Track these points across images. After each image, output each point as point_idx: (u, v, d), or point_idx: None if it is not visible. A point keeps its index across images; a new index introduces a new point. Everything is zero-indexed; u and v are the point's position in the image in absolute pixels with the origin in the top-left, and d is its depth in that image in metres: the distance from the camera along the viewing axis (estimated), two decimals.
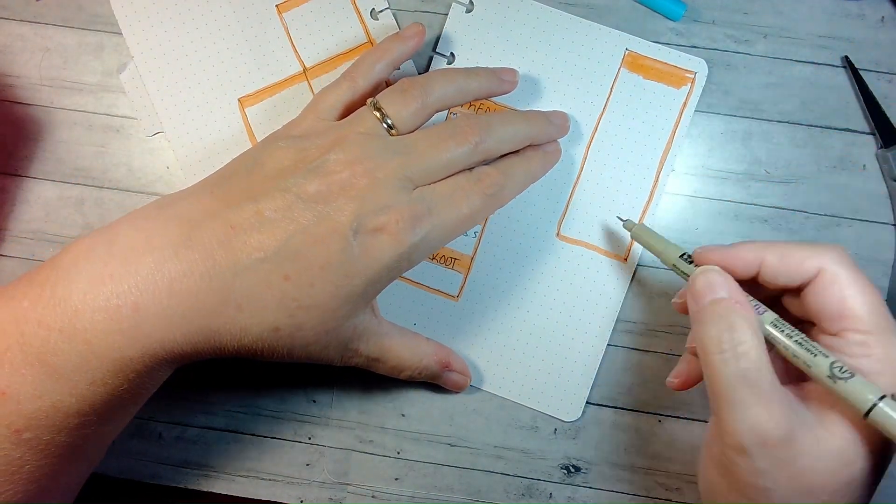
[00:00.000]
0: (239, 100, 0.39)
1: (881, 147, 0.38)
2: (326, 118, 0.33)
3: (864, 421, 0.25)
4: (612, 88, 0.39)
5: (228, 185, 0.30)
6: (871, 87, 0.38)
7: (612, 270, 0.38)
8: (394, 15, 0.40)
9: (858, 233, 0.38)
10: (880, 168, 0.38)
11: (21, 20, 0.40)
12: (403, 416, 0.39)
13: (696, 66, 0.38)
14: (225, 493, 0.38)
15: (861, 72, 0.38)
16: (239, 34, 0.39)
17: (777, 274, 0.28)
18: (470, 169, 0.32)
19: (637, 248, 0.38)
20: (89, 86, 0.39)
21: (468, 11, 0.39)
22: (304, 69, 0.39)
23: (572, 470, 0.38)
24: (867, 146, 0.38)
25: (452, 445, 0.38)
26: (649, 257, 0.38)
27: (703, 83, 0.38)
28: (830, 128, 0.39)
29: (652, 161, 0.38)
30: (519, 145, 0.34)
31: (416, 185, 0.30)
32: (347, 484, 0.38)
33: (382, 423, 0.39)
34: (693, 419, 0.38)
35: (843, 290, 0.27)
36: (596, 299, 0.38)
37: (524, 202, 0.38)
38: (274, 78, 0.39)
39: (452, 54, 0.39)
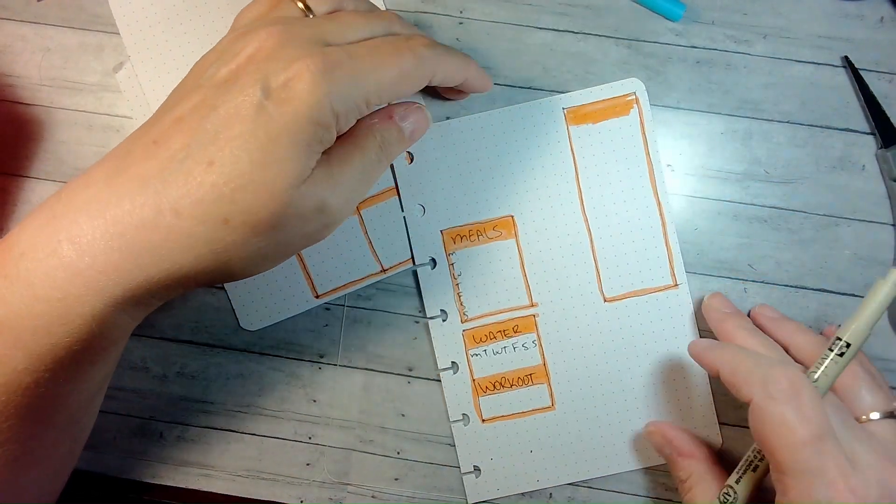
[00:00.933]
0: None
1: (881, 147, 0.38)
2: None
3: None
4: (572, 149, 0.38)
5: (160, 111, 0.28)
6: (871, 87, 0.38)
7: (670, 301, 0.38)
8: None
9: (858, 233, 0.38)
10: (880, 168, 0.38)
11: (21, 20, 0.40)
12: (403, 416, 0.39)
13: (631, 86, 0.38)
14: (225, 493, 0.39)
15: (861, 72, 0.38)
16: None
17: (731, 388, 0.31)
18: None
19: (679, 265, 0.38)
20: (89, 86, 0.40)
21: (411, 162, 0.38)
22: None
23: None
24: (867, 146, 0.38)
25: (452, 446, 0.38)
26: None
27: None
28: (830, 128, 0.39)
29: (644, 188, 0.38)
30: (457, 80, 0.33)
31: (330, 43, 0.28)
32: (347, 484, 0.38)
33: (382, 423, 0.39)
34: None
35: (764, 427, 0.28)
36: (671, 332, 0.38)
37: (558, 290, 0.38)
38: None
39: (421, 206, 0.38)
